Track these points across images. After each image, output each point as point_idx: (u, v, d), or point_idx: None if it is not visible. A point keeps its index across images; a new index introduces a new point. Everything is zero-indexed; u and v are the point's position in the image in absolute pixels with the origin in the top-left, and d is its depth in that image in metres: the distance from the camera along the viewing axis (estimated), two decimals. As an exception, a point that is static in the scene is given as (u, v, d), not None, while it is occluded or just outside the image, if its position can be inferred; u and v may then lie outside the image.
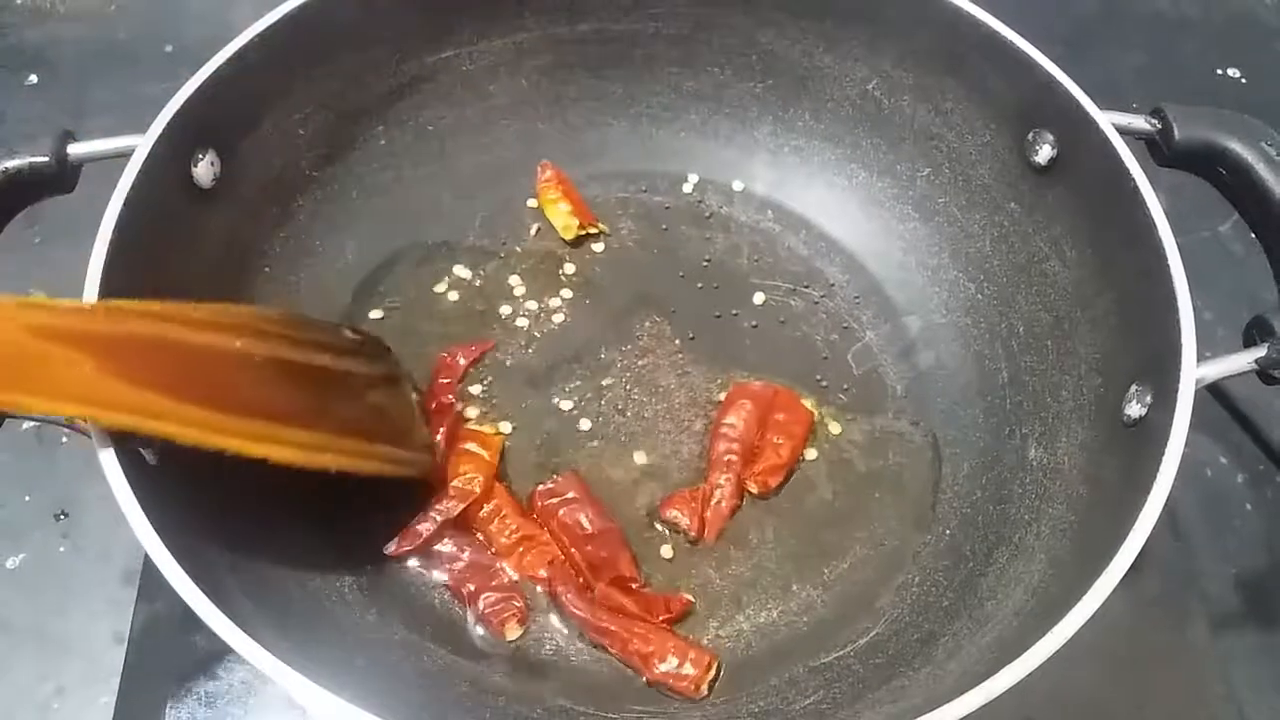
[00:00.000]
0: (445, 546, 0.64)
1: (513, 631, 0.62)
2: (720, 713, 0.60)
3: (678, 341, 0.74)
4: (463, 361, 0.72)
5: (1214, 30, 1.04)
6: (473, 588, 0.63)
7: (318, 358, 0.59)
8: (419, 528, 0.64)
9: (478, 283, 0.77)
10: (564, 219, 0.78)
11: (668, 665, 0.60)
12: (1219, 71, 1.00)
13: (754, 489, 0.68)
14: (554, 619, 0.63)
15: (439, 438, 0.67)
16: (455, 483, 0.66)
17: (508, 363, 0.73)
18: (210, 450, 0.51)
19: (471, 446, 0.68)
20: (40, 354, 0.47)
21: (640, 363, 0.73)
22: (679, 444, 0.70)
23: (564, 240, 0.79)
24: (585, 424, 0.71)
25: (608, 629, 0.61)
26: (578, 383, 0.73)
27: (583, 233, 0.78)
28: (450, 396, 0.71)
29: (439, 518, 0.64)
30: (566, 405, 0.71)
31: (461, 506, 0.64)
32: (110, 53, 0.96)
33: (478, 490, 0.65)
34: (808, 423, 0.70)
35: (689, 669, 0.60)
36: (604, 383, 0.72)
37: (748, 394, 0.70)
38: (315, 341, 0.60)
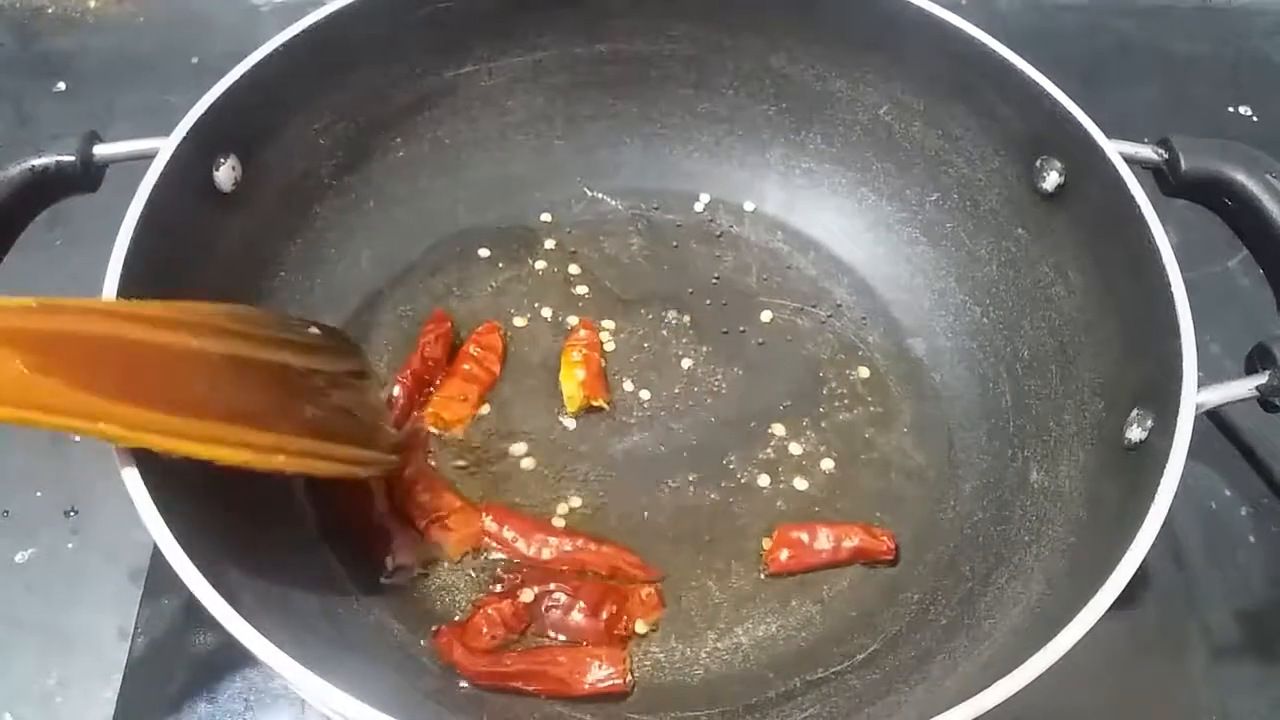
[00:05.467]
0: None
1: None
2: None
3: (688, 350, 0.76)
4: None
5: (1227, 69, 1.05)
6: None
7: (278, 355, 0.57)
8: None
9: (490, 294, 0.78)
10: (572, 388, 0.72)
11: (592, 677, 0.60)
12: (1231, 109, 1.01)
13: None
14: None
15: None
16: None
17: (518, 376, 0.74)
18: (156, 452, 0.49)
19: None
20: None
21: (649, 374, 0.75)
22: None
23: (573, 251, 0.79)
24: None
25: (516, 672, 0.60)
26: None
27: (587, 405, 0.72)
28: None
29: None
30: (570, 425, 0.72)
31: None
32: (137, 62, 0.98)
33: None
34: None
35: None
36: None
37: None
38: (277, 338, 0.58)
